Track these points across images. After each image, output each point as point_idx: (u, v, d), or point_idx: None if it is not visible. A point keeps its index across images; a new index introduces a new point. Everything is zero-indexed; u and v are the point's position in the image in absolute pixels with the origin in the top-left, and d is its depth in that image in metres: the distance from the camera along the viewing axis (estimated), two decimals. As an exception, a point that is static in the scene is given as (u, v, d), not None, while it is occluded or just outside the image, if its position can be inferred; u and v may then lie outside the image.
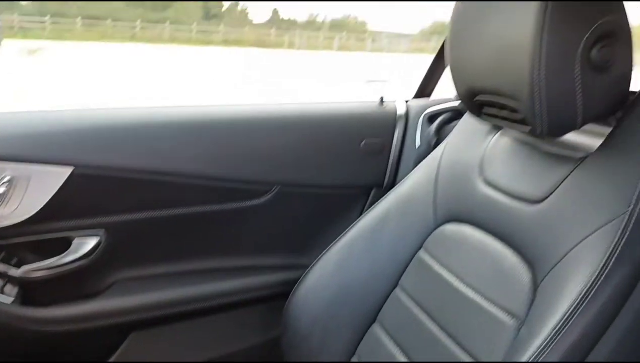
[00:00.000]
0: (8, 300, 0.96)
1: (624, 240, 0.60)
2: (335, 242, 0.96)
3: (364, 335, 0.91)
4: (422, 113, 1.13)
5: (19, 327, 0.95)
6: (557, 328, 0.59)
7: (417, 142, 1.12)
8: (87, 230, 1.01)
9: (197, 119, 1.05)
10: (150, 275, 1.06)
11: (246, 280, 1.10)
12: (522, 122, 0.68)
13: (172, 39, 12.65)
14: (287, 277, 1.08)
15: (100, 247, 1.01)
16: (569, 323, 0.59)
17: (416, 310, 0.83)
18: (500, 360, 0.67)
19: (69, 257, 1.00)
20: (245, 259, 1.12)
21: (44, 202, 0.95)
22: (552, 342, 0.59)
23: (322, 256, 0.96)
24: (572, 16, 0.61)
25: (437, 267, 0.83)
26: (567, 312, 0.59)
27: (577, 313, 0.59)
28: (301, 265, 0.99)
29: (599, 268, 0.60)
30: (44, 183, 0.94)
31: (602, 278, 0.60)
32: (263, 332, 1.12)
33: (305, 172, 1.10)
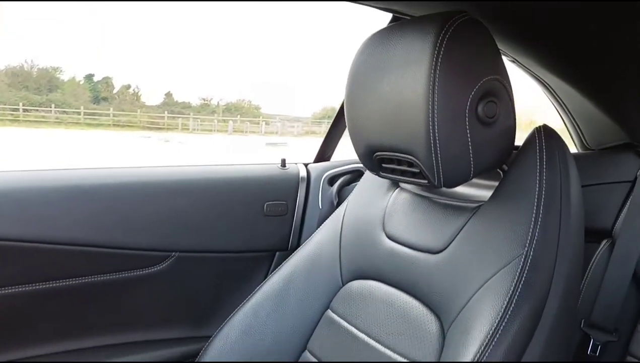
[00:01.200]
0: None
1: (522, 280, 0.64)
2: (239, 308, 0.92)
3: None
4: (323, 175, 1.15)
5: None
6: None
7: (320, 204, 1.13)
8: None
9: (88, 182, 0.99)
10: (44, 354, 0.95)
11: (145, 355, 1.01)
12: (419, 175, 0.72)
13: (59, 122, 12.11)
14: (190, 349, 1.01)
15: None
16: None
17: None
18: None
19: None
20: (145, 333, 1.04)
21: None
22: None
23: (225, 324, 0.91)
24: (458, 75, 0.67)
25: (345, 324, 0.82)
26: (474, 358, 0.60)
27: (484, 358, 0.60)
28: (204, 337, 0.93)
29: (502, 310, 0.62)
30: None
31: (505, 319, 0.62)
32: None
33: (206, 238, 1.06)
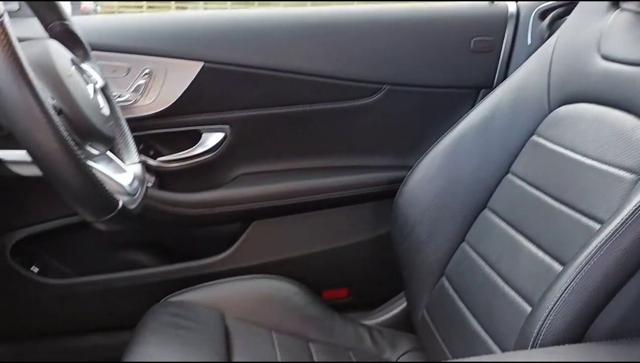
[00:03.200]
0: (148, 184, 1.07)
1: None
2: (444, 136, 0.98)
3: (474, 221, 0.93)
4: (534, 10, 1.12)
5: (159, 209, 1.06)
6: None
7: (529, 40, 1.11)
8: (214, 125, 1.10)
9: (310, 19, 1.11)
10: (270, 171, 1.15)
11: (357, 177, 1.15)
12: None
13: None
14: (395, 175, 1.12)
15: (225, 141, 1.10)
16: None
17: (529, 189, 0.83)
18: (615, 208, 0.65)
19: (198, 150, 1.10)
20: (356, 158, 1.17)
21: (178, 95, 1.05)
22: None
23: (430, 151, 0.99)
24: None
25: (550, 145, 0.83)
26: None
27: None
28: (409, 166, 1.02)
29: None
30: (178, 77, 1.04)
31: None
32: (373, 228, 1.17)
33: (413, 72, 1.13)
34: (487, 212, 0.91)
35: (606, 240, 0.57)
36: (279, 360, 0.91)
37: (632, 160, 0.67)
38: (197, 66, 1.04)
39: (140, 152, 1.06)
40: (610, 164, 0.70)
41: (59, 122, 0.54)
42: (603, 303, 0.58)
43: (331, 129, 1.14)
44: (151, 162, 1.09)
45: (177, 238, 1.18)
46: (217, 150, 1.10)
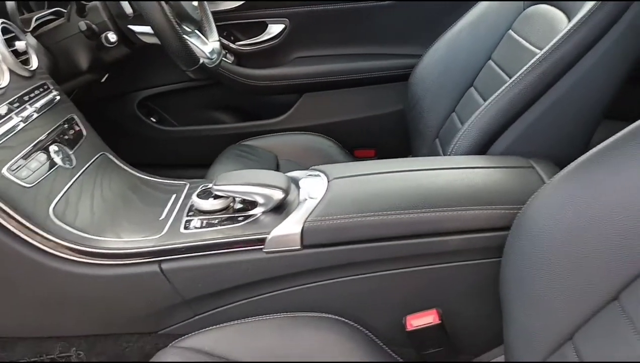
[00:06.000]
0: (230, 61, 1.48)
1: None
2: (446, 31, 1.26)
3: (462, 97, 1.23)
4: None
5: (236, 80, 1.47)
6: None
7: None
8: (276, 18, 1.46)
9: None
10: (318, 55, 1.51)
11: (383, 62, 1.47)
12: None
13: None
14: (411, 62, 1.41)
15: (285, 31, 1.47)
16: None
17: (499, 71, 1.10)
18: None
19: (265, 36, 1.48)
20: (383, 47, 1.49)
21: None
22: None
23: (435, 43, 1.27)
24: None
25: (517, 37, 1.08)
26: None
27: None
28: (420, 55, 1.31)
29: None
30: None
31: None
32: (395, 103, 1.50)
33: None
34: (471, 90, 1.22)
35: (515, 83, 0.88)
36: None
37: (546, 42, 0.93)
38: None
39: (224, 37, 1.46)
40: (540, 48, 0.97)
41: (168, 9, 0.94)
42: (503, 127, 0.89)
43: (364, 24, 1.46)
44: (232, 45, 1.49)
45: (248, 103, 1.60)
46: (279, 38, 1.48)
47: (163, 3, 0.93)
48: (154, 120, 1.57)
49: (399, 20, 1.45)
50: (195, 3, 1.13)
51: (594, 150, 0.60)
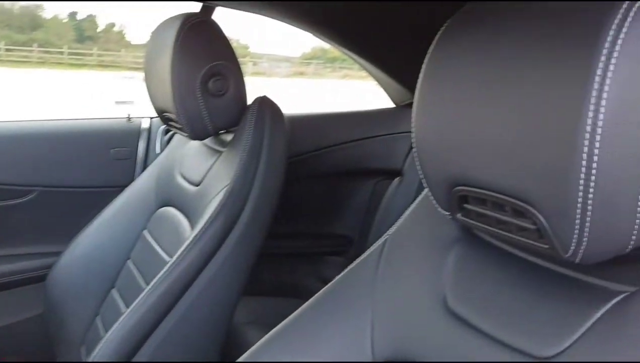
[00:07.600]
0: None
1: (226, 202, 0.95)
2: (85, 228, 1.23)
3: (106, 297, 1.20)
4: (160, 127, 1.45)
5: None
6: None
7: (157, 149, 1.43)
8: None
9: None
10: None
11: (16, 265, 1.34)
12: (181, 129, 1.02)
13: (42, 62, 12.11)
14: (49, 261, 1.33)
15: None
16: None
17: (136, 273, 1.13)
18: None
19: None
20: (18, 248, 1.36)
21: None
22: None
23: (74, 239, 1.23)
24: (191, 59, 0.96)
25: (152, 242, 1.14)
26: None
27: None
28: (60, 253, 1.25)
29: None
30: None
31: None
32: (29, 309, 1.35)
33: (63, 176, 1.37)
34: (114, 292, 1.19)
35: (152, 291, 0.90)
36: None
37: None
38: None
39: None
40: (167, 252, 1.06)
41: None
42: (145, 335, 0.90)
43: None
44: None
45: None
46: None
47: None
48: None
49: (32, 218, 1.35)
50: None
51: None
